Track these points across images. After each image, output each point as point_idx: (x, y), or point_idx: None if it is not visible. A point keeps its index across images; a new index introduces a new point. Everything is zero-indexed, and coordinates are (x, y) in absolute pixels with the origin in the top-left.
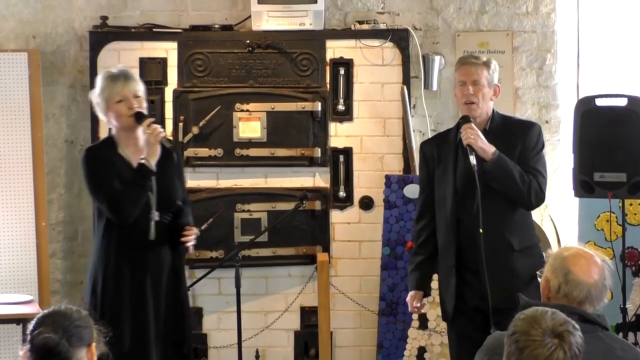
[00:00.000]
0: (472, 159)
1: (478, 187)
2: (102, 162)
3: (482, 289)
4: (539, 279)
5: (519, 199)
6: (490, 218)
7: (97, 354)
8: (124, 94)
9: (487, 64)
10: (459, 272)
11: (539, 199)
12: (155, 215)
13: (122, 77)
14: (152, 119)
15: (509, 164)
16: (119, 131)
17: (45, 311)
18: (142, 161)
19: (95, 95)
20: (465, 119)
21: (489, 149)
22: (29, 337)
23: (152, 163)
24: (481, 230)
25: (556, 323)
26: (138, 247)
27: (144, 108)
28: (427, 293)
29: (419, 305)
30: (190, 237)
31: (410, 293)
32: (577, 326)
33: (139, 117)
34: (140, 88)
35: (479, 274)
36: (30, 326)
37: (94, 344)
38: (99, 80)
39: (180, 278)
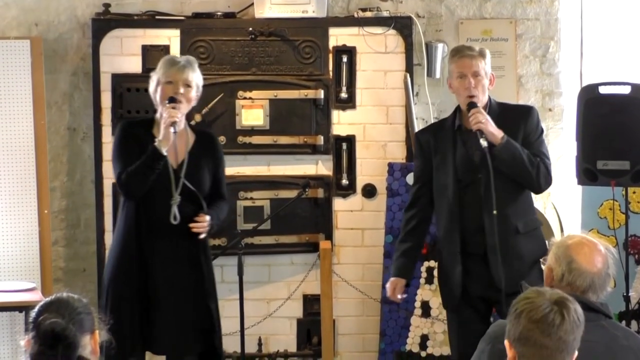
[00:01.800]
0: (484, 142)
1: (490, 170)
2: (131, 137)
3: (487, 275)
4: (543, 267)
5: (528, 182)
6: (497, 202)
7: (99, 341)
8: (175, 77)
9: (482, 54)
10: (464, 258)
11: (548, 181)
12: (177, 199)
13: (181, 62)
14: (174, 104)
15: (517, 148)
16: (160, 113)
17: (48, 299)
18: (155, 143)
19: (153, 74)
20: (472, 105)
21: (498, 134)
22: (32, 325)
23: (164, 147)
24: (495, 212)
25: (554, 293)
26: (157, 230)
27: (188, 98)
28: (408, 282)
29: (399, 296)
30: (199, 225)
31: (392, 279)
32: (574, 300)
33: (170, 100)
34: (194, 79)
35: (484, 259)
36: (33, 313)
37: (97, 332)
38: (161, 61)
39: (199, 270)
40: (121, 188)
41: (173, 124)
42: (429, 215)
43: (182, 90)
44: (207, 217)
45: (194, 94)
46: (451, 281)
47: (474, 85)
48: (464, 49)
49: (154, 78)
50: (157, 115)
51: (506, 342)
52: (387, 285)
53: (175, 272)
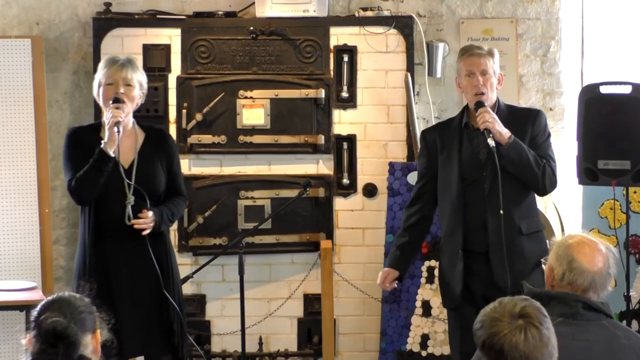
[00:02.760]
0: (491, 142)
1: (498, 169)
2: (80, 143)
3: (489, 274)
4: (544, 266)
5: (534, 183)
6: (502, 201)
7: (101, 340)
8: (115, 77)
9: (491, 53)
10: (465, 256)
11: (553, 183)
12: (132, 200)
13: (120, 62)
14: (117, 105)
15: (524, 148)
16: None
17: (49, 298)
18: (101, 146)
19: (95, 76)
20: (479, 104)
21: (505, 133)
22: (33, 324)
23: (110, 148)
24: (502, 212)
25: (510, 307)
26: (114, 231)
27: (131, 97)
28: (402, 276)
29: (389, 285)
30: (140, 221)
31: (385, 269)
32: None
33: (113, 101)
34: (134, 77)
35: (486, 258)
36: (35, 312)
37: (98, 331)
38: (100, 63)
39: (164, 266)
40: (72, 194)
41: (116, 124)
42: (431, 213)
43: (122, 90)
44: (150, 214)
45: (137, 92)
46: (452, 279)
47: (482, 83)
48: (472, 48)
49: (96, 80)
50: (103, 118)
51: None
52: (380, 274)
53: (136, 272)
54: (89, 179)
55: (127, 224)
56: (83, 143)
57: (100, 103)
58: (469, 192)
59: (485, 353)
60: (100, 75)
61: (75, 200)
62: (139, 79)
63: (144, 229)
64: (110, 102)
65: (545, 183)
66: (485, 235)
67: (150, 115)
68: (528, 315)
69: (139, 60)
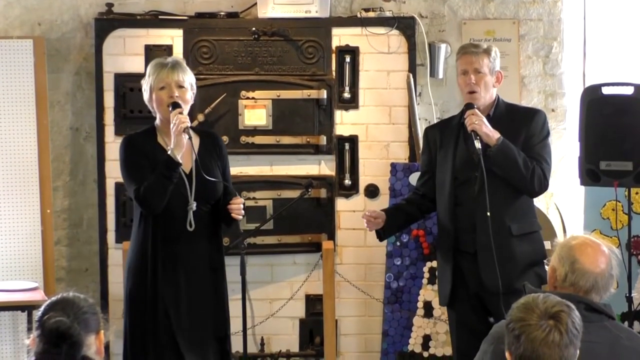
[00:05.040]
0: (477, 144)
1: (483, 171)
2: (138, 151)
3: (479, 273)
4: (546, 267)
5: (521, 185)
6: (491, 203)
7: (105, 341)
8: (167, 81)
9: (487, 52)
10: (456, 256)
11: (542, 186)
12: (193, 206)
13: (170, 65)
14: (180, 109)
15: (512, 150)
16: (162, 120)
17: (54, 298)
18: (168, 152)
19: (143, 82)
20: (469, 106)
21: (493, 135)
22: (37, 324)
23: (178, 154)
24: (488, 214)
25: (549, 305)
26: (174, 238)
27: (185, 99)
28: (385, 226)
29: (371, 215)
30: (236, 206)
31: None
32: (571, 305)
33: (173, 107)
34: (186, 79)
35: (476, 258)
36: (39, 312)
37: (102, 332)
38: (149, 67)
39: (218, 274)
40: (142, 204)
41: (185, 129)
42: (431, 197)
43: (176, 93)
44: (241, 199)
45: (189, 94)
46: (443, 278)
47: (475, 82)
48: (468, 46)
49: (146, 86)
50: (157, 122)
51: (507, 354)
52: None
53: (197, 278)
54: (159, 187)
55: (188, 229)
56: (141, 150)
57: (153, 108)
58: (460, 192)
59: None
60: (150, 80)
61: (145, 209)
62: (190, 80)
63: (239, 214)
64: (170, 108)
65: (534, 185)
66: (475, 235)
67: (152, 117)
68: (559, 318)
69: (141, 62)
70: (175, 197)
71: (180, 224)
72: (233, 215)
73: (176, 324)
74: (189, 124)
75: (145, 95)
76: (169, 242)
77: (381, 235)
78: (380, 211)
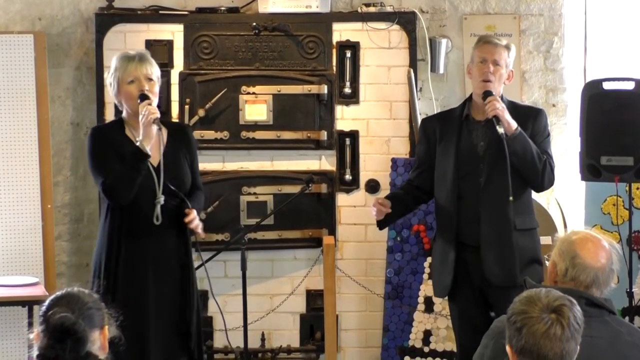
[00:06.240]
0: (500, 129)
1: (507, 155)
2: (106, 142)
3: (482, 267)
4: (547, 262)
5: (533, 177)
6: (497, 195)
7: (109, 337)
8: (136, 74)
9: (508, 47)
10: (458, 248)
11: (551, 180)
12: (161, 199)
13: (137, 58)
14: (149, 101)
15: (529, 142)
16: (130, 114)
17: (58, 293)
18: (137, 144)
19: (108, 76)
20: (488, 93)
21: (512, 124)
22: (41, 318)
23: (147, 146)
24: (511, 199)
25: (551, 299)
26: (141, 232)
27: (154, 92)
28: (392, 214)
29: (382, 203)
30: (190, 219)
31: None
32: (573, 300)
33: (142, 99)
34: (154, 71)
35: (479, 251)
36: (43, 307)
37: (106, 327)
38: (114, 61)
39: (186, 269)
40: (109, 196)
41: (155, 120)
42: (426, 189)
43: (146, 86)
44: (194, 211)
45: (157, 87)
46: (444, 269)
47: (492, 72)
48: (490, 37)
49: (112, 80)
50: (124, 116)
51: (508, 348)
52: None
53: (160, 273)
54: (127, 179)
55: (155, 223)
56: (109, 141)
57: (121, 102)
58: (463, 185)
59: (525, 355)
60: (118, 74)
61: (112, 200)
62: (157, 73)
63: (196, 225)
64: (138, 100)
65: (545, 179)
66: (478, 228)
67: (117, 119)
68: (561, 312)
69: (151, 57)
70: (143, 191)
71: (147, 218)
72: (190, 226)
73: (141, 317)
74: (158, 115)
75: (112, 90)
76: (136, 236)
77: (382, 224)
78: (387, 200)
